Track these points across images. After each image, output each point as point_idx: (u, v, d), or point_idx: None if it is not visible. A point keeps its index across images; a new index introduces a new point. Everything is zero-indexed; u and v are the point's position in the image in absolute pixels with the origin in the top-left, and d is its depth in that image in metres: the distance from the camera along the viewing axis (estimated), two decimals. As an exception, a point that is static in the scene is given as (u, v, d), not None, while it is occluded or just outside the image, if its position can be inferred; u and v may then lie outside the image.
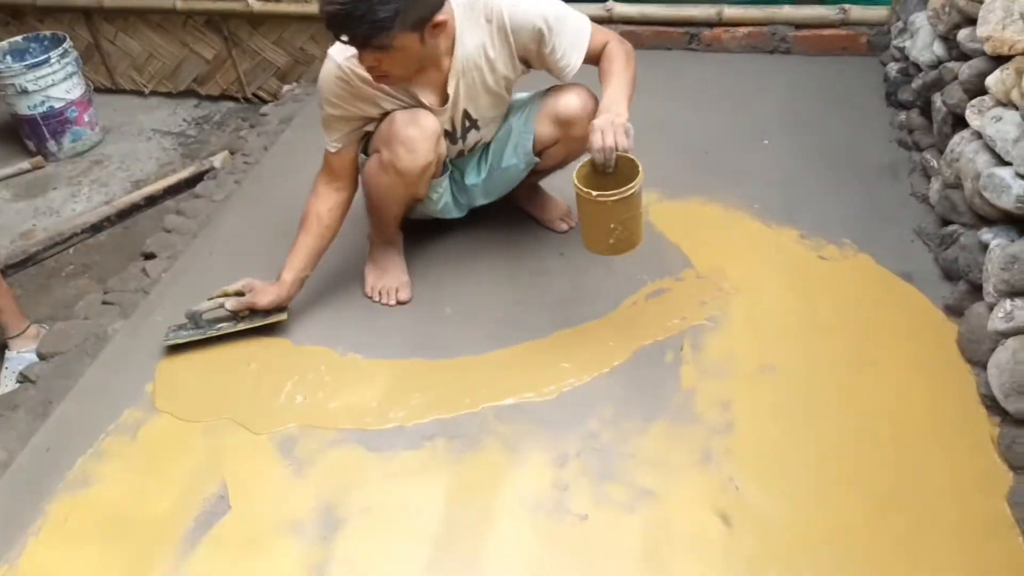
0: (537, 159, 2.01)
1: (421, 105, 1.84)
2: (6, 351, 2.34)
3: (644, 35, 3.07)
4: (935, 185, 2.04)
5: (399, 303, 2.04)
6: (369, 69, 1.69)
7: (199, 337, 1.96)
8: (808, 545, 1.41)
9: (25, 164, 3.36)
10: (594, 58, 1.85)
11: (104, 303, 2.31)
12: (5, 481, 1.71)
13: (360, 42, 1.59)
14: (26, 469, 1.73)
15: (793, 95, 2.73)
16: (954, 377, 1.68)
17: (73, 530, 1.57)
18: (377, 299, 2.06)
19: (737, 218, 2.19)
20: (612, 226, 1.66)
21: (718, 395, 1.71)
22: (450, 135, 1.94)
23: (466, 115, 1.90)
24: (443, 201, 2.07)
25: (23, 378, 2.12)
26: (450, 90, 1.82)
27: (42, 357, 2.17)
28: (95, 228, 2.96)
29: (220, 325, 1.97)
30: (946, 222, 1.96)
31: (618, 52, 1.82)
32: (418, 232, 2.19)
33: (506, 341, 1.89)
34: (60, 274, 2.79)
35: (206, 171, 3.02)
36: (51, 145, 3.38)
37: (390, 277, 2.07)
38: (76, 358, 2.09)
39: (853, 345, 1.78)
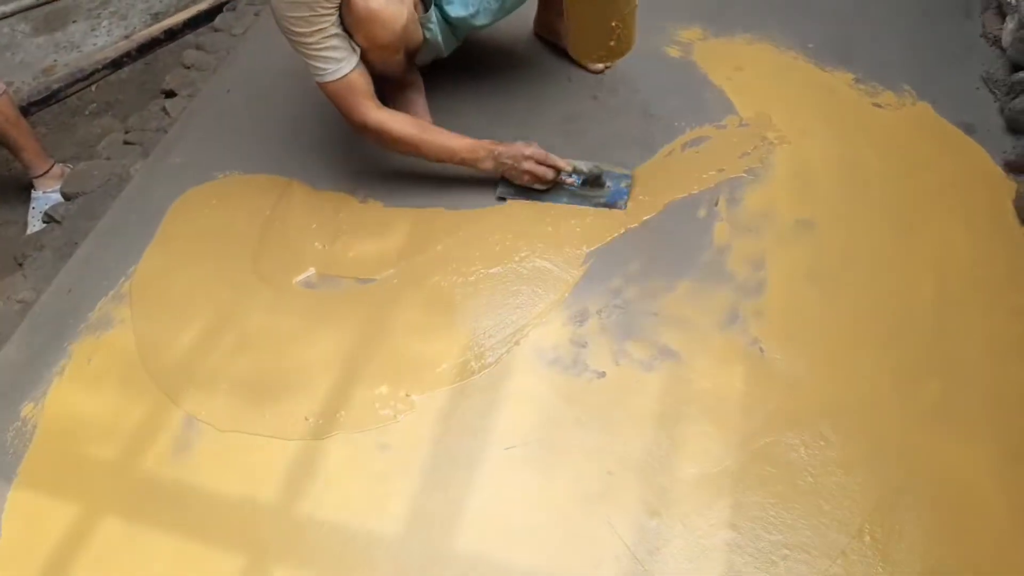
0: None
1: None
2: (32, 191, 2.33)
3: None
4: (1010, 25, 1.83)
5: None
6: None
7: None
8: (831, 410, 1.37)
9: (43, -7, 3.22)
10: None
11: (126, 143, 2.28)
12: (30, 321, 1.73)
13: None
14: (50, 309, 1.75)
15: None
16: (1005, 239, 1.56)
17: (96, 370, 1.60)
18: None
19: (788, 59, 2.00)
20: (613, 24, 1.50)
21: (751, 253, 1.62)
22: None
23: None
24: (438, 36, 1.87)
25: (48, 218, 2.12)
26: None
27: (67, 197, 2.16)
28: (116, 64, 2.86)
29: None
30: (1018, 68, 1.77)
31: None
32: (439, 75, 2.05)
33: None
34: (83, 112, 2.72)
35: (225, 2, 2.87)
36: (67, -28, 3.21)
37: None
38: (99, 198, 2.08)
39: (901, 201, 1.66)
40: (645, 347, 1.50)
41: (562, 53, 2.09)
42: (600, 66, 2.04)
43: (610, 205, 1.74)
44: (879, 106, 1.85)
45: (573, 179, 1.77)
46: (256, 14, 2.62)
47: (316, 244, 1.78)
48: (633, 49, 1.59)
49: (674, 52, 2.07)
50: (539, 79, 2.06)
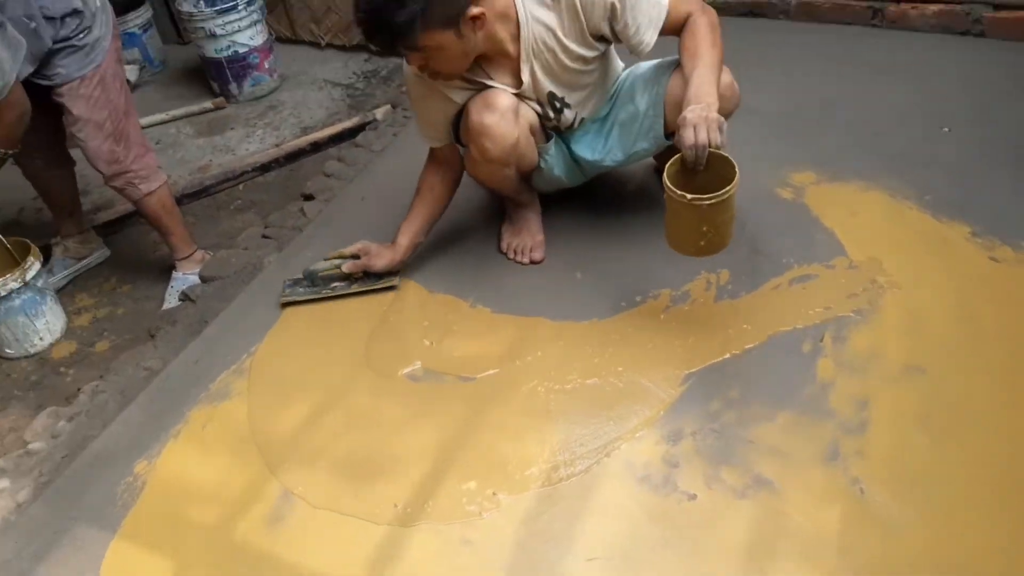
0: (668, 140, 1.90)
1: None
2: (173, 271, 2.54)
3: (823, 7, 2.88)
4: None
5: (532, 262, 2.04)
6: (420, 69, 1.70)
7: (314, 296, 2.03)
8: (935, 564, 1.30)
9: (208, 104, 3.62)
10: (674, 29, 1.72)
11: (264, 236, 2.48)
12: (156, 386, 1.86)
13: (389, 48, 1.63)
14: (175, 377, 1.88)
15: (981, 82, 2.47)
16: None
17: (209, 437, 1.70)
18: (512, 256, 2.07)
19: (902, 208, 2.02)
20: (704, 229, 1.57)
21: (856, 392, 1.59)
22: (541, 116, 1.90)
23: (552, 96, 1.85)
24: (556, 170, 2.02)
25: (184, 297, 2.31)
26: (524, 76, 1.79)
27: (204, 280, 2.35)
28: (264, 168, 3.15)
29: (335, 285, 2.04)
30: None
31: (701, 26, 1.68)
32: (563, 201, 2.17)
33: (637, 310, 1.85)
34: (228, 207, 2.99)
35: (368, 122, 3.14)
36: (233, 88, 3.61)
37: (525, 236, 2.07)
38: (233, 284, 2.25)
39: (1015, 357, 1.61)
40: (739, 474, 1.47)
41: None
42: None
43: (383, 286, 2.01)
44: (995, 260, 1.82)
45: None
46: (395, 135, 2.84)
47: (425, 341, 1.86)
48: (726, 249, 1.64)
49: (786, 194, 2.12)
50: (656, 214, 2.14)
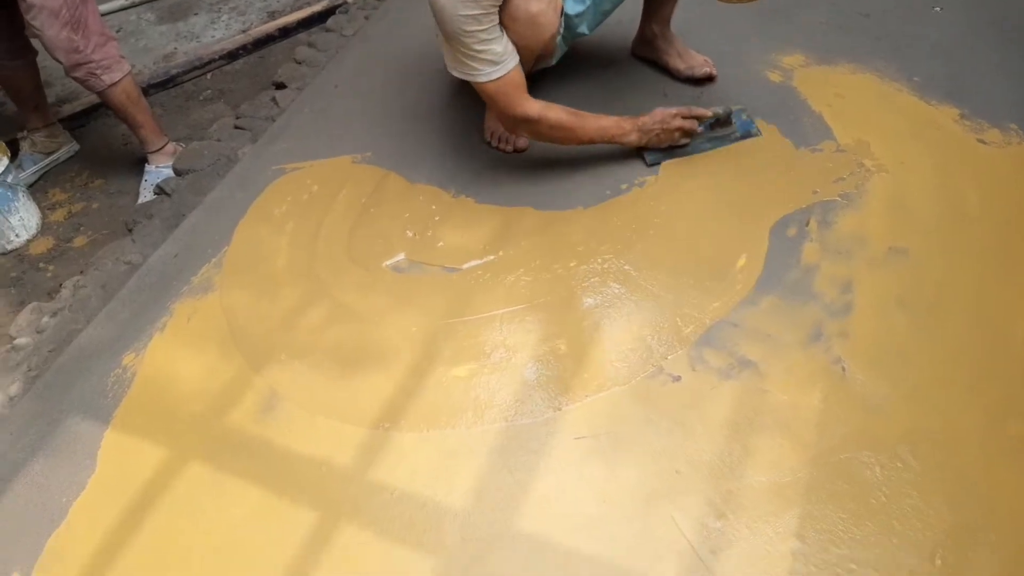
0: None
1: None
2: (146, 165, 2.47)
3: None
4: None
5: (516, 151, 2.00)
6: None
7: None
8: (912, 436, 1.34)
9: (170, -13, 3.44)
10: None
11: (236, 127, 2.40)
12: (137, 280, 1.84)
13: None
14: (156, 271, 1.85)
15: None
16: (1111, 284, 1.51)
17: (194, 330, 1.69)
18: (495, 144, 2.03)
19: (891, 90, 1.99)
20: None
21: (840, 275, 1.61)
22: None
23: None
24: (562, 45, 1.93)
25: (159, 190, 2.25)
26: None
27: (177, 173, 2.29)
28: (231, 55, 3.03)
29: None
30: None
31: None
32: (542, 84, 2.11)
33: (620, 198, 1.83)
34: (197, 97, 2.89)
35: (339, 5, 3.01)
36: (195, -30, 3.42)
37: None
38: (207, 176, 2.19)
39: (998, 240, 1.63)
40: (723, 356, 1.50)
41: (660, 71, 2.13)
42: (707, 70, 2.07)
43: (745, 136, 1.92)
44: (984, 142, 1.82)
45: (700, 127, 1.90)
46: (366, 17, 2.73)
47: (408, 232, 1.84)
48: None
49: (775, 77, 2.08)
50: (634, 92, 2.10)
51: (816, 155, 1.85)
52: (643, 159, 1.91)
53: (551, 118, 1.78)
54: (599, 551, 1.26)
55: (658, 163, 1.89)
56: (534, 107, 1.77)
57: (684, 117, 1.86)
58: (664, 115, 1.85)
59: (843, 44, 2.14)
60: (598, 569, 1.24)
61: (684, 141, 1.90)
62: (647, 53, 2.17)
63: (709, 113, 1.87)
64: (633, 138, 1.87)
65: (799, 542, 1.23)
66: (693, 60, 2.09)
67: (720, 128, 1.91)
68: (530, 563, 1.26)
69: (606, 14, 1.92)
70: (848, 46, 2.13)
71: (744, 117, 1.95)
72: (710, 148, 1.91)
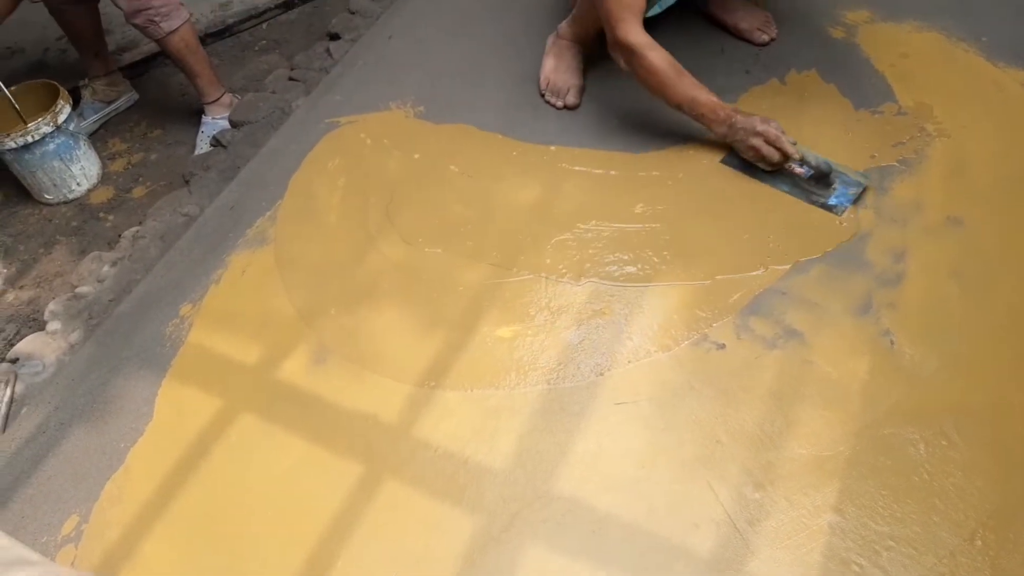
0: None
1: None
2: (203, 116, 2.51)
3: None
4: None
5: (566, 107, 1.98)
6: None
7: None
8: (958, 412, 1.33)
9: (226, -66, 3.43)
10: None
11: (290, 79, 2.42)
12: (194, 232, 1.89)
13: None
14: (213, 223, 1.90)
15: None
16: None
17: (249, 281, 1.74)
18: (548, 97, 2.00)
19: (957, 50, 1.91)
20: None
21: (893, 244, 1.57)
22: None
23: None
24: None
25: (216, 142, 2.29)
26: None
27: (233, 125, 2.32)
28: (287, 5, 3.03)
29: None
30: None
31: None
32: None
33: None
34: (253, 48, 2.91)
35: (394, -47, 2.97)
36: (251, -84, 3.40)
37: (568, 75, 1.99)
38: (262, 128, 2.22)
39: (1064, 211, 1.57)
40: (769, 325, 1.49)
41: (719, 29, 2.07)
42: (765, 36, 2.01)
43: (828, 207, 1.65)
44: (1054, 108, 1.74)
45: (802, 170, 1.68)
46: (421, -33, 2.70)
47: (459, 175, 1.85)
48: None
49: (838, 33, 2.01)
50: (692, 49, 2.04)
51: (876, 117, 1.79)
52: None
53: (650, 59, 1.68)
54: (635, 516, 1.29)
55: (727, 166, 1.75)
56: (639, 38, 1.68)
57: (767, 140, 1.67)
58: (751, 126, 1.68)
59: (909, 0, 2.05)
60: (633, 533, 1.27)
61: (763, 166, 1.72)
62: (714, 13, 2.10)
63: (793, 153, 1.66)
64: (721, 130, 1.72)
65: (838, 516, 1.24)
66: (753, 20, 2.03)
67: (814, 184, 1.68)
68: (566, 523, 1.29)
69: None
70: (915, 1, 2.04)
71: (851, 192, 1.66)
72: (787, 192, 1.70)
